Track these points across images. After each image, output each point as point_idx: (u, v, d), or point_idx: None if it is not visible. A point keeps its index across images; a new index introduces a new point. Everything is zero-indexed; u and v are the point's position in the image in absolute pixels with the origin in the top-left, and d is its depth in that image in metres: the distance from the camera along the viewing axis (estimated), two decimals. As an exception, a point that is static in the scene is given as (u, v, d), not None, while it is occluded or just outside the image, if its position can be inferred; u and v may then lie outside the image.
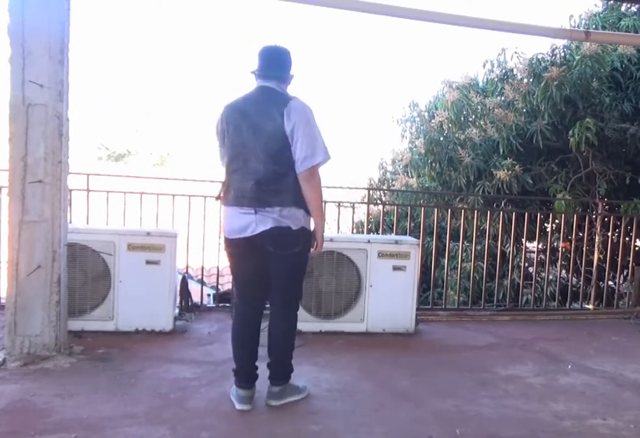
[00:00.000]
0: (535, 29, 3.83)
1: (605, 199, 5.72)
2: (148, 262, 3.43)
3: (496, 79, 6.54)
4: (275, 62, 2.42)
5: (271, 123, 2.30)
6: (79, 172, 3.96)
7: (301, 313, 3.61)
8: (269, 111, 2.32)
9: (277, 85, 2.40)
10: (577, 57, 5.64)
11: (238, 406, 2.40)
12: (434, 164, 6.21)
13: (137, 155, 22.93)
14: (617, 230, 5.48)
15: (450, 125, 6.34)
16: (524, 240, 5.02)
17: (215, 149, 2.56)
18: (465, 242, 5.38)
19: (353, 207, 5.09)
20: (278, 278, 2.43)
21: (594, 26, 6.10)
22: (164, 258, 3.46)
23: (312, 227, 2.45)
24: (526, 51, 6.07)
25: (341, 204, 4.73)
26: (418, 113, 6.68)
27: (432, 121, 6.40)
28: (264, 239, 2.32)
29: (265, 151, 2.31)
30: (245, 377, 2.46)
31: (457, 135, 6.25)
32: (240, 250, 2.41)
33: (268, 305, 2.56)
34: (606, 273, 5.16)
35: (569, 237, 5.33)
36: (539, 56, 5.94)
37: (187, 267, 4.39)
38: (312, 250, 2.47)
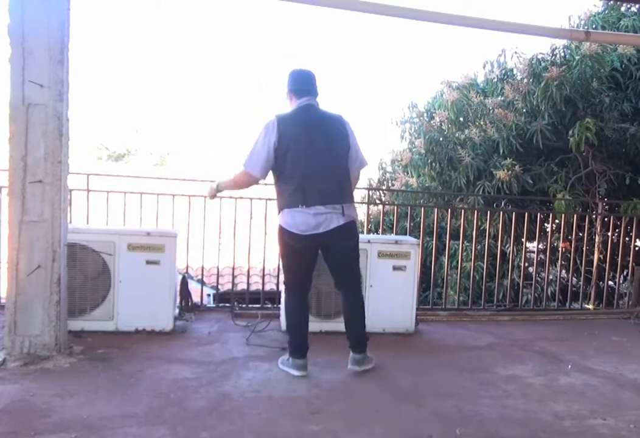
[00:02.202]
0: (535, 29, 3.83)
1: (605, 199, 5.73)
2: (148, 262, 3.43)
3: (496, 79, 6.55)
4: (310, 84, 2.91)
5: (339, 136, 2.83)
6: (79, 172, 3.95)
7: (301, 313, 3.62)
8: (335, 125, 2.84)
9: (314, 101, 2.88)
10: (577, 57, 5.64)
11: (298, 373, 2.81)
12: (433, 164, 6.21)
13: (137, 155, 22.94)
14: (617, 230, 5.48)
15: (450, 125, 6.35)
16: (524, 240, 5.02)
17: (250, 154, 2.83)
18: (465, 242, 5.38)
19: (353, 207, 5.08)
20: (345, 262, 2.89)
21: (593, 26, 6.10)
22: (164, 258, 3.46)
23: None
24: (526, 51, 6.09)
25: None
26: (417, 114, 6.69)
27: (432, 121, 6.40)
28: (335, 233, 2.76)
29: (337, 158, 2.82)
30: (305, 348, 2.86)
31: (457, 135, 6.26)
32: (308, 244, 2.79)
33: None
34: (606, 273, 5.16)
35: (569, 237, 5.33)
36: (539, 56, 5.95)
37: (187, 267, 4.39)
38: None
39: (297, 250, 2.81)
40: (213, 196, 3.17)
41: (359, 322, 2.93)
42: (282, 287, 3.81)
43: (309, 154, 2.75)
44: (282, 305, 3.42)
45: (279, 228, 2.83)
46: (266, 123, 2.80)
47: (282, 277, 3.88)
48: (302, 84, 2.88)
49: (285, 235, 2.79)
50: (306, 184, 2.74)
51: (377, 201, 6.67)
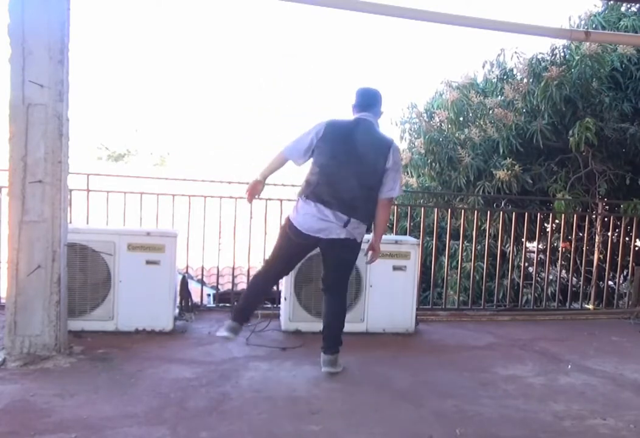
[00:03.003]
0: (535, 29, 3.83)
1: (605, 199, 5.73)
2: (148, 262, 3.43)
3: (496, 79, 6.54)
4: (373, 101, 3.00)
5: (377, 156, 2.86)
6: (79, 172, 3.95)
7: (301, 313, 3.63)
8: (379, 146, 2.90)
9: (373, 118, 2.96)
10: (576, 57, 5.64)
11: (223, 333, 2.96)
12: (433, 164, 6.21)
13: (137, 155, 22.93)
14: (617, 230, 5.48)
15: (450, 125, 6.34)
16: (524, 240, 5.02)
17: (292, 147, 2.97)
18: (465, 242, 5.38)
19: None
20: (336, 271, 2.99)
21: (593, 26, 6.09)
22: (164, 258, 3.46)
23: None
24: (526, 51, 6.08)
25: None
26: (417, 114, 6.68)
27: (432, 121, 6.40)
28: (334, 244, 2.85)
29: (365, 175, 2.85)
30: (241, 315, 3.01)
31: (457, 135, 6.25)
32: (302, 242, 2.89)
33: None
34: (606, 273, 5.16)
35: (569, 237, 5.33)
36: (539, 56, 5.94)
37: (187, 267, 4.39)
38: (367, 258, 3.09)
39: (294, 243, 2.93)
40: (259, 190, 3.09)
41: (336, 326, 2.98)
42: (281, 287, 3.82)
43: (341, 161, 2.85)
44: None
45: (286, 220, 2.96)
46: (318, 122, 2.95)
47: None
48: (363, 100, 2.99)
49: (290, 229, 2.91)
50: (328, 185, 2.85)
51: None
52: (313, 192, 2.86)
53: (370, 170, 2.86)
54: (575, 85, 5.56)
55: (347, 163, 2.85)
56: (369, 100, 2.99)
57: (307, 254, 3.09)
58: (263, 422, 2.29)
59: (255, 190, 3.06)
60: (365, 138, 2.89)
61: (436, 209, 5.07)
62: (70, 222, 3.58)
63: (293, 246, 2.95)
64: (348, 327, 3.63)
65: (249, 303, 3.07)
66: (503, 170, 5.60)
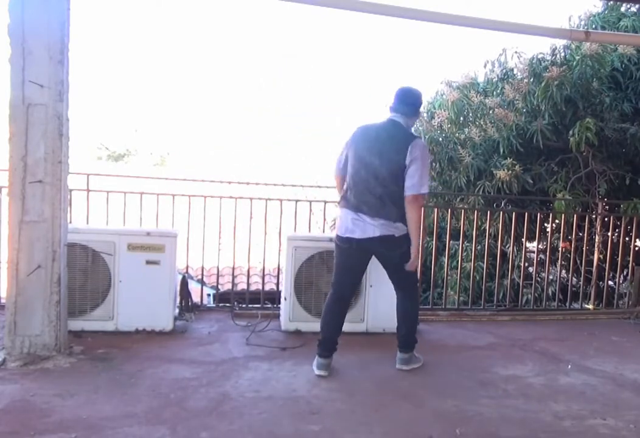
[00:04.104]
0: (535, 29, 3.83)
1: (605, 199, 5.72)
2: (148, 262, 3.44)
3: (496, 79, 6.53)
4: (404, 101, 2.98)
5: (397, 154, 2.84)
6: (79, 172, 3.95)
7: (301, 313, 3.63)
8: (397, 143, 2.86)
9: (403, 120, 2.95)
10: (577, 57, 5.63)
11: (317, 371, 2.90)
12: (434, 164, 6.20)
13: (137, 155, 22.94)
14: (617, 230, 5.48)
15: (450, 124, 6.34)
16: (524, 240, 5.02)
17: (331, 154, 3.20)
18: (465, 242, 5.38)
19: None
20: (388, 269, 3.03)
21: (593, 26, 6.09)
22: (164, 258, 3.46)
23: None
24: (526, 51, 6.07)
25: (341, 204, 4.73)
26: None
27: (432, 121, 6.40)
28: (374, 242, 2.87)
29: (385, 173, 2.85)
30: (327, 347, 2.95)
31: (457, 134, 6.25)
32: (347, 247, 2.95)
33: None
34: (606, 273, 5.16)
35: (569, 237, 5.33)
36: (539, 56, 5.94)
37: (187, 267, 4.39)
38: (408, 264, 2.94)
39: (341, 250, 3.01)
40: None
41: (402, 323, 3.06)
42: (281, 287, 3.83)
43: (363, 163, 2.91)
44: None
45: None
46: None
47: (282, 278, 3.91)
48: (394, 101, 3.01)
49: (336, 239, 3.03)
50: (353, 189, 2.95)
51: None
52: (344, 198, 3.00)
53: (390, 169, 2.84)
54: (575, 85, 5.55)
55: (368, 164, 2.89)
56: (398, 100, 3.00)
57: (361, 261, 3.02)
58: (263, 422, 2.29)
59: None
60: (385, 138, 2.91)
61: (436, 209, 5.07)
62: (70, 222, 3.58)
63: (344, 255, 3.00)
64: (348, 327, 3.65)
65: (323, 328, 3.00)
66: (503, 170, 5.59)
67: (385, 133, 2.93)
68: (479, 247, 5.27)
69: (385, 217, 2.84)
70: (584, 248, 5.09)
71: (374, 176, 2.86)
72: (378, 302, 3.66)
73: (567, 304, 5.15)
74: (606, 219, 5.39)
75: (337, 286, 3.04)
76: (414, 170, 2.83)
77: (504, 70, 6.51)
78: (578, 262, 5.29)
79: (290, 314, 3.64)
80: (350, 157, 2.98)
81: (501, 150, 5.78)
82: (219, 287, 4.80)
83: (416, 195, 2.84)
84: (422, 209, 2.96)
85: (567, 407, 2.59)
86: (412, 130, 3.11)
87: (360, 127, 3.03)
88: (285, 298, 3.66)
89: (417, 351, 3.14)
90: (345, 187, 3.02)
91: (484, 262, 4.95)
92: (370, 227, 2.86)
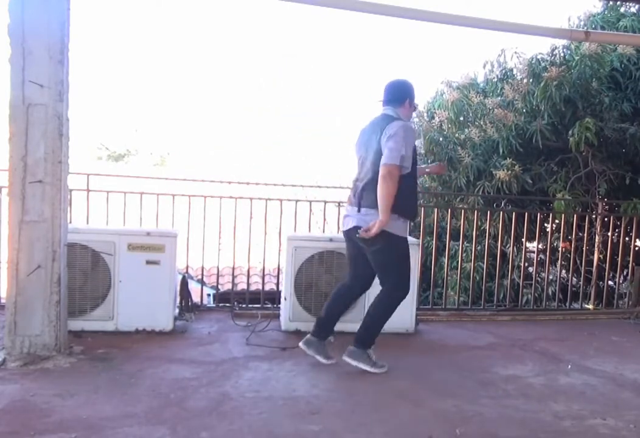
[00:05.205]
0: (535, 29, 3.83)
1: (605, 199, 5.73)
2: (148, 262, 3.43)
3: (496, 79, 6.54)
4: (391, 92, 3.03)
5: (376, 138, 2.87)
6: (79, 172, 3.95)
7: (301, 313, 3.63)
8: (379, 130, 2.87)
9: (392, 111, 2.98)
10: (576, 57, 5.64)
11: (300, 344, 3.05)
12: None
13: (137, 155, 22.92)
14: (617, 230, 5.48)
15: (450, 125, 6.34)
16: (524, 240, 5.02)
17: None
18: (465, 242, 5.38)
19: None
20: (373, 265, 3.01)
21: (593, 26, 6.10)
22: (164, 258, 3.46)
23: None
24: (526, 51, 6.08)
25: (341, 204, 4.73)
26: (417, 114, 6.68)
27: (432, 121, 6.40)
28: (351, 234, 2.96)
29: (368, 160, 2.91)
30: (321, 329, 3.03)
31: (457, 135, 6.25)
32: (347, 240, 3.09)
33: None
34: (606, 273, 5.16)
35: (569, 237, 5.33)
36: (539, 56, 5.94)
37: (187, 267, 4.39)
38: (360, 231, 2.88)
39: (347, 244, 3.13)
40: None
41: (364, 319, 3.04)
42: (281, 287, 3.82)
43: (358, 157, 3.06)
44: None
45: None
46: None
47: (282, 278, 3.91)
48: (384, 96, 3.06)
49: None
50: (353, 183, 3.07)
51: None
52: (348, 196, 3.11)
53: (372, 157, 2.88)
54: (575, 85, 5.56)
55: (359, 159, 3.04)
56: (385, 94, 3.06)
57: (355, 251, 3.06)
58: (263, 422, 2.29)
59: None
60: (370, 130, 2.99)
61: (436, 209, 5.07)
62: (70, 222, 3.58)
63: (349, 248, 3.12)
64: (348, 327, 3.65)
65: (324, 311, 3.10)
66: (503, 170, 5.60)
67: (372, 126, 3.00)
68: (478, 247, 5.27)
69: (365, 204, 2.89)
70: (584, 248, 5.09)
71: (363, 165, 2.98)
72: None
73: (567, 304, 5.15)
74: (606, 219, 5.39)
75: (348, 278, 3.17)
76: (386, 145, 2.79)
77: (504, 71, 6.52)
78: (578, 262, 5.29)
79: (290, 314, 3.64)
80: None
81: (501, 151, 5.79)
82: (219, 287, 4.80)
83: (384, 166, 2.75)
84: (394, 183, 2.75)
85: (567, 407, 2.59)
86: (409, 119, 3.14)
87: (361, 129, 3.12)
88: (285, 298, 3.66)
89: (379, 356, 2.98)
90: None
91: (484, 262, 4.95)
92: (350, 219, 2.98)
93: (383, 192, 2.76)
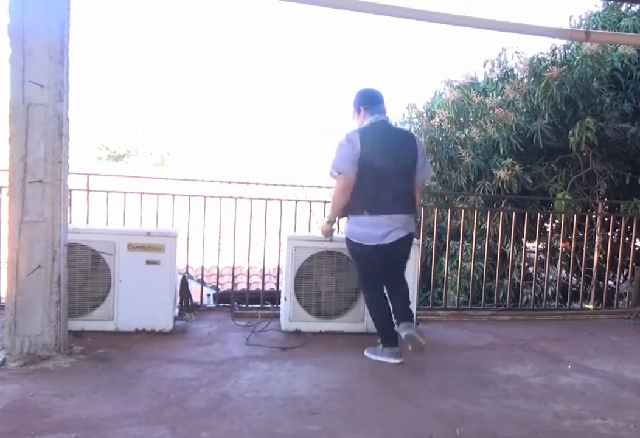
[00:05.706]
0: (535, 29, 3.83)
1: (605, 199, 5.72)
2: (148, 262, 3.43)
3: (496, 79, 6.54)
4: (382, 99, 3.14)
5: (410, 150, 3.08)
6: (79, 172, 3.95)
7: (301, 313, 3.63)
8: (405, 141, 3.11)
9: (387, 118, 3.14)
10: (577, 57, 5.64)
11: (395, 360, 3.06)
12: (434, 164, 6.21)
13: (137, 155, 22.93)
14: (617, 230, 5.48)
15: (450, 124, 6.34)
16: (524, 240, 5.02)
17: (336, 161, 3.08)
18: (465, 242, 5.38)
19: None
20: (401, 266, 3.28)
21: (594, 26, 6.10)
22: (164, 258, 3.46)
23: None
24: (526, 51, 6.08)
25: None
26: (417, 114, 6.68)
27: (432, 120, 6.40)
28: (401, 243, 3.11)
29: (406, 172, 3.09)
30: (394, 336, 3.11)
31: (457, 134, 6.25)
32: (373, 252, 3.08)
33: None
34: (606, 273, 5.16)
35: (569, 237, 5.33)
36: (540, 56, 5.94)
37: (187, 267, 4.39)
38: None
39: (365, 255, 3.11)
40: (330, 231, 3.34)
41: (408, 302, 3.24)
42: (281, 287, 3.83)
43: (387, 167, 3.00)
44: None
45: (349, 243, 3.15)
46: (348, 135, 3.03)
47: (282, 278, 3.91)
48: (374, 101, 3.11)
49: (355, 245, 3.10)
50: (378, 194, 3.01)
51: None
52: (359, 207, 3.04)
53: (409, 167, 3.06)
54: (575, 85, 5.56)
55: (392, 169, 3.01)
56: (378, 102, 3.12)
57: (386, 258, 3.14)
58: (263, 422, 2.29)
59: (327, 232, 3.36)
60: (395, 137, 3.09)
61: (436, 209, 5.07)
62: (70, 222, 3.58)
63: (367, 257, 3.11)
64: (348, 327, 3.66)
65: (381, 323, 3.17)
66: (503, 170, 5.60)
67: (394, 134, 3.21)
68: (479, 247, 5.27)
69: (409, 212, 3.12)
70: (584, 248, 5.09)
71: (400, 176, 3.11)
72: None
73: (567, 304, 5.15)
74: (606, 219, 5.39)
75: (376, 286, 3.23)
76: (424, 160, 3.19)
77: (504, 70, 6.52)
78: (578, 262, 5.29)
79: (290, 314, 3.64)
80: (369, 165, 3.08)
81: (501, 150, 5.78)
82: (219, 287, 4.80)
83: (426, 178, 3.38)
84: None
85: (567, 407, 2.59)
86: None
87: (363, 132, 3.11)
88: (285, 298, 3.66)
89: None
90: (363, 195, 3.11)
91: (484, 262, 4.95)
92: (399, 230, 3.11)
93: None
